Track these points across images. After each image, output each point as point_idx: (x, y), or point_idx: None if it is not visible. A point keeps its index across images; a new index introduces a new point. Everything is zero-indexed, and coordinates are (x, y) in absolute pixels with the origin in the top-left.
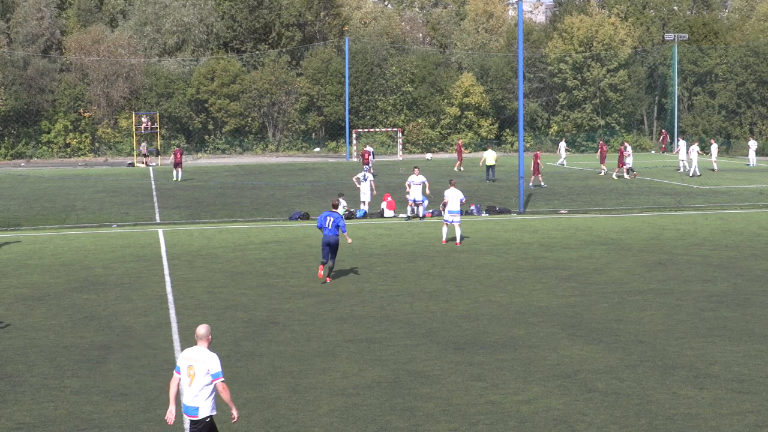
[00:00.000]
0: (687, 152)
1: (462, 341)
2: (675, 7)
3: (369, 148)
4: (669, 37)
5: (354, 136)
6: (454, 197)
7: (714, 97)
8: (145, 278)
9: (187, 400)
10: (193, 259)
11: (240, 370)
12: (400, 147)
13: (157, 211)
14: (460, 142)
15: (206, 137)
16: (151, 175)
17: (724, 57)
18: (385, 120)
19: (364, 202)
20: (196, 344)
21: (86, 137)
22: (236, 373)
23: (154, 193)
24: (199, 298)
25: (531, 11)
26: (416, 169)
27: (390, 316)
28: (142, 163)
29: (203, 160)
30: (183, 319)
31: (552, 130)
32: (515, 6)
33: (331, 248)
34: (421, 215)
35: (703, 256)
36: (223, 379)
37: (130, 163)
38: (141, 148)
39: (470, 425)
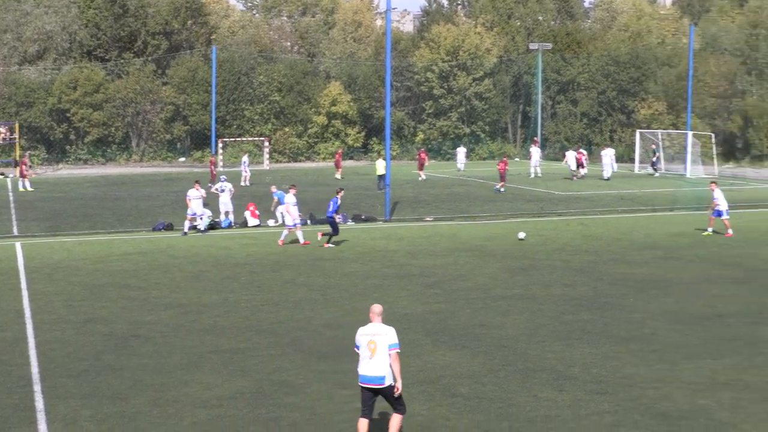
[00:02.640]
0: (565, 159)
1: (326, 350)
2: (540, 18)
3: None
4: (533, 46)
5: (220, 145)
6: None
7: (576, 105)
8: (1, 293)
9: (370, 371)
10: (52, 272)
11: (100, 385)
12: (266, 156)
13: (14, 223)
14: (339, 151)
15: (68, 147)
16: (9, 186)
17: (586, 66)
18: (252, 129)
19: (227, 212)
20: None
21: None
22: (96, 387)
23: (12, 205)
24: (57, 312)
25: (399, 20)
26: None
27: (254, 326)
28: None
29: (64, 171)
30: (40, 333)
31: (418, 138)
32: (383, 15)
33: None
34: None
35: (564, 261)
36: (398, 350)
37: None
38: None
39: None
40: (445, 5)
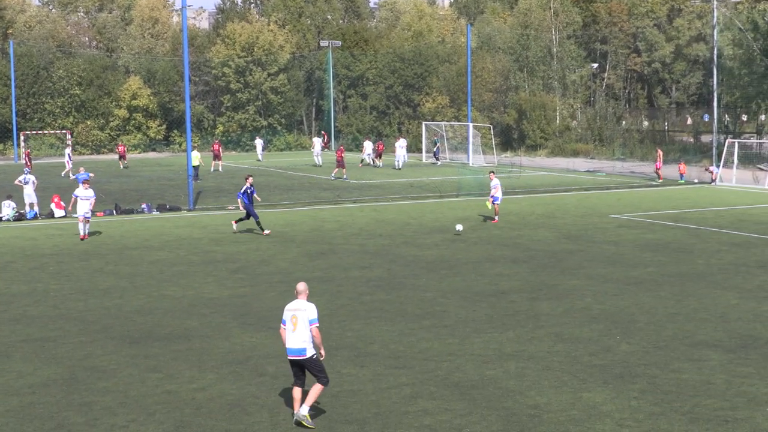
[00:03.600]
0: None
1: (137, 335)
2: (329, 16)
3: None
4: (324, 43)
5: (22, 138)
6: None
7: (366, 99)
8: None
9: (292, 343)
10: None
11: None
12: (69, 147)
13: None
14: (121, 144)
15: None
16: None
17: (373, 62)
18: (54, 122)
19: (32, 204)
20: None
21: None
22: None
23: None
24: None
25: (195, 18)
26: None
27: (64, 314)
28: None
29: None
30: None
31: (218, 130)
32: (179, 12)
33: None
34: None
35: (360, 245)
36: (318, 324)
37: None
38: None
39: (148, 415)
40: (239, 3)
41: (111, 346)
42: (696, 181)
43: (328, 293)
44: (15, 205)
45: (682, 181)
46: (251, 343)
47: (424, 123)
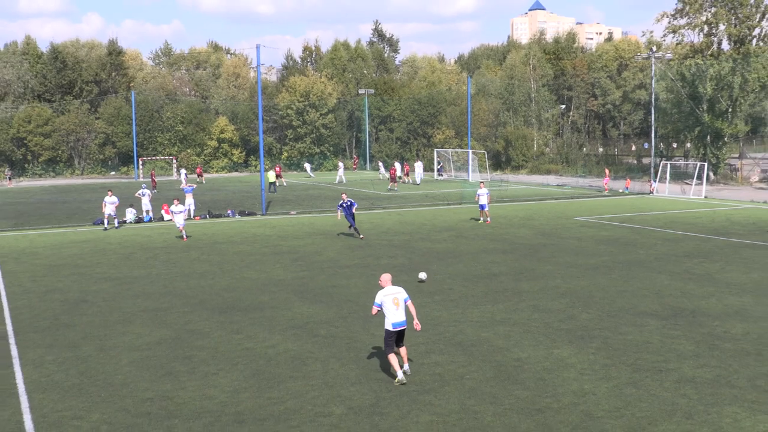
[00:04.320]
0: (390, 171)
1: (224, 306)
2: (365, 71)
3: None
4: (361, 91)
5: (140, 162)
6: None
7: (393, 132)
8: None
9: (399, 318)
10: (19, 257)
11: (59, 337)
12: (175, 170)
13: None
14: (278, 166)
15: (26, 165)
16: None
17: (398, 105)
18: (164, 150)
19: (147, 210)
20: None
21: None
22: (56, 339)
23: None
24: (24, 285)
25: (266, 73)
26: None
27: (171, 291)
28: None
29: (24, 183)
30: (12, 301)
31: (283, 156)
32: (255, 69)
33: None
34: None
35: (388, 240)
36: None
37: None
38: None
39: (232, 365)
40: (299, 62)
41: (205, 314)
42: (638, 192)
43: (365, 276)
44: (135, 212)
45: (627, 192)
46: (308, 312)
47: (435, 150)
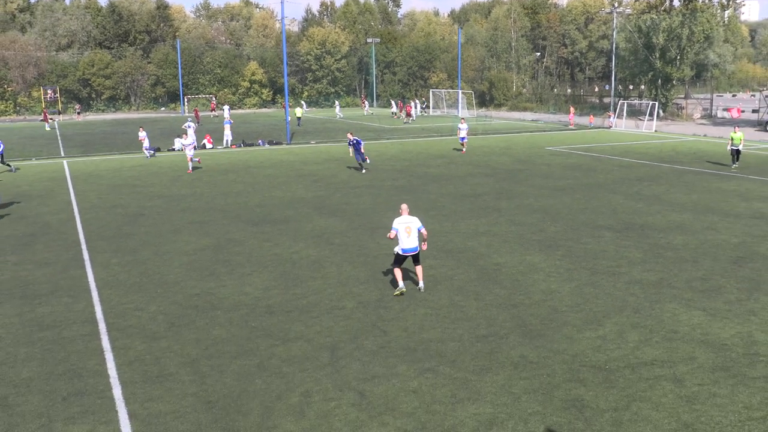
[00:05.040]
0: (398, 107)
1: (257, 219)
2: (372, 23)
3: (226, 108)
4: (369, 40)
5: (186, 100)
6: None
7: (395, 75)
8: (57, 191)
9: (409, 245)
10: (87, 178)
11: (121, 244)
12: (213, 105)
13: (61, 149)
14: (364, 100)
15: (91, 102)
16: (57, 126)
17: (399, 52)
18: (204, 90)
19: (193, 141)
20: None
21: (10, 104)
22: (119, 245)
23: (59, 138)
24: (92, 202)
25: (289, 24)
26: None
27: (212, 207)
28: (51, 119)
29: (90, 117)
30: (82, 214)
31: (304, 95)
32: (280, 21)
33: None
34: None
35: (391, 166)
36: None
37: (52, 118)
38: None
39: (263, 267)
40: (317, 15)
41: (241, 226)
42: (599, 127)
43: (372, 195)
44: (183, 143)
45: (591, 127)
46: (325, 225)
47: (431, 90)
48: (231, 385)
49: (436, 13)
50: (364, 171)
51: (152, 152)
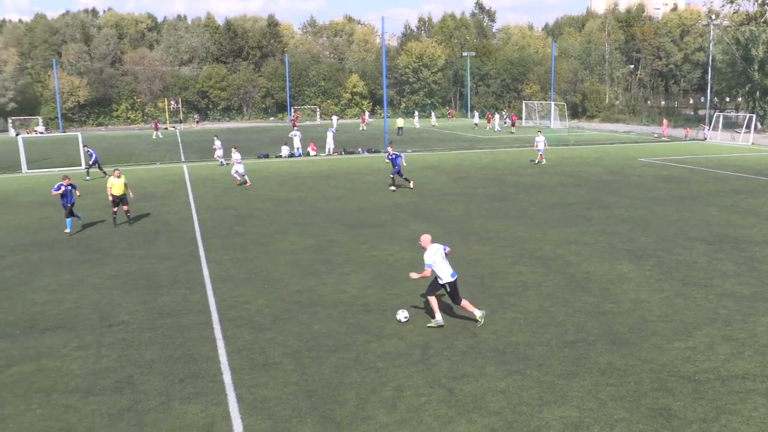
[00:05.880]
0: (486, 118)
1: (355, 223)
2: (467, 38)
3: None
4: (464, 54)
5: (292, 110)
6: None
7: (489, 87)
8: (177, 192)
9: (450, 269)
10: (204, 181)
11: (232, 242)
12: (318, 116)
13: (182, 154)
14: (364, 115)
15: (208, 112)
16: (177, 133)
17: (494, 65)
18: (309, 101)
19: (298, 147)
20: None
21: (138, 113)
22: (230, 243)
23: (180, 145)
24: (208, 203)
25: (389, 40)
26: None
27: (315, 210)
28: (173, 127)
29: (207, 125)
30: (199, 214)
31: (402, 106)
32: (381, 36)
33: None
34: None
35: (484, 174)
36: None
37: (165, 128)
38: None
39: (360, 268)
40: (415, 30)
41: (341, 228)
42: (693, 138)
43: (464, 202)
44: (288, 149)
45: (685, 139)
46: (419, 229)
47: (524, 102)
48: (329, 376)
49: (530, 27)
50: (392, 188)
51: (223, 164)
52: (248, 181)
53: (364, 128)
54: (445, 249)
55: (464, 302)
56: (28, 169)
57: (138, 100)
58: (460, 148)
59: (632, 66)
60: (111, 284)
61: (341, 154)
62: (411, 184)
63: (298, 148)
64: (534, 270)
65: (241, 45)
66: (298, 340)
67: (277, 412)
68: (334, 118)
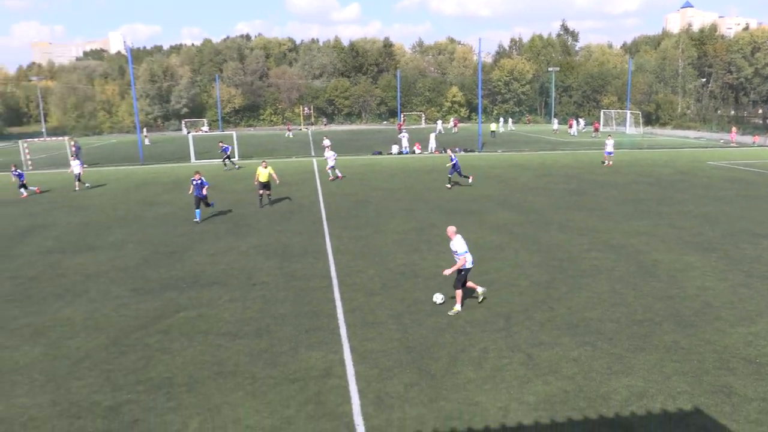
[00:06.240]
0: (568, 124)
1: (451, 210)
2: (553, 55)
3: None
4: (550, 69)
5: (402, 116)
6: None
7: (571, 98)
8: (308, 181)
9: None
10: (329, 173)
11: (350, 222)
12: (423, 120)
13: (312, 150)
14: (455, 119)
15: (333, 116)
16: (309, 134)
17: (576, 78)
18: (416, 108)
19: (405, 146)
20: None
21: (279, 117)
22: (348, 222)
23: (311, 141)
24: (331, 190)
25: (485, 57)
26: (433, 134)
27: (419, 198)
28: (305, 128)
29: (332, 127)
30: (325, 198)
31: (494, 113)
32: (477, 55)
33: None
34: (431, 151)
35: (564, 172)
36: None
37: (299, 129)
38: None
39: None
40: (507, 49)
41: (438, 214)
42: (761, 145)
43: (547, 195)
44: (398, 147)
45: (754, 145)
46: (507, 217)
47: (602, 111)
48: (426, 336)
49: (610, 46)
50: (449, 186)
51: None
52: (339, 174)
53: (456, 131)
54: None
55: (469, 283)
56: (195, 159)
57: (279, 106)
58: (544, 150)
59: (704, 79)
60: (255, 252)
61: (441, 152)
62: (470, 180)
63: (405, 147)
64: (607, 256)
65: (362, 62)
66: (401, 304)
67: (383, 362)
68: (439, 122)
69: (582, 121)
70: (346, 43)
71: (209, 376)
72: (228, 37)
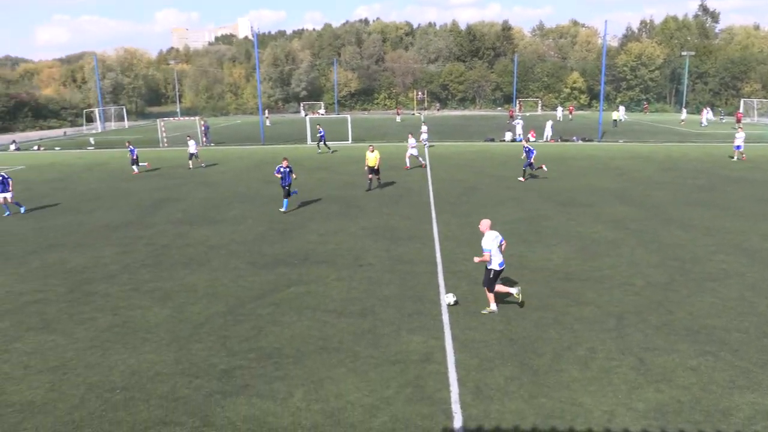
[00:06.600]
0: (700, 114)
1: (564, 201)
2: (688, 38)
3: (516, 110)
4: (683, 53)
5: (518, 102)
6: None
7: (707, 85)
8: (418, 169)
9: (501, 258)
10: (440, 158)
11: (458, 208)
12: (540, 107)
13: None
14: (571, 106)
15: (447, 101)
16: (422, 118)
17: (713, 63)
18: (533, 94)
19: (520, 134)
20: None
21: (393, 101)
22: (457, 209)
23: (423, 124)
24: (441, 176)
25: (611, 40)
26: (550, 121)
27: (529, 189)
28: (418, 113)
29: (445, 112)
30: (434, 184)
31: (617, 101)
32: (602, 38)
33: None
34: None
35: (692, 166)
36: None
37: (412, 113)
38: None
39: (566, 241)
40: (636, 32)
41: (551, 205)
42: None
43: (671, 190)
44: (511, 134)
45: None
46: (624, 212)
47: (742, 99)
48: (530, 330)
49: (756, 27)
50: (521, 179)
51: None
52: (423, 162)
53: (562, 119)
54: (501, 240)
55: (499, 288)
56: (311, 141)
57: (393, 90)
58: (671, 141)
59: None
60: (363, 234)
61: (557, 141)
62: (545, 168)
63: (519, 134)
64: (738, 260)
65: (478, 46)
66: (505, 296)
67: (484, 353)
68: (559, 109)
69: (722, 111)
70: (463, 26)
71: (314, 351)
72: (347, 22)
